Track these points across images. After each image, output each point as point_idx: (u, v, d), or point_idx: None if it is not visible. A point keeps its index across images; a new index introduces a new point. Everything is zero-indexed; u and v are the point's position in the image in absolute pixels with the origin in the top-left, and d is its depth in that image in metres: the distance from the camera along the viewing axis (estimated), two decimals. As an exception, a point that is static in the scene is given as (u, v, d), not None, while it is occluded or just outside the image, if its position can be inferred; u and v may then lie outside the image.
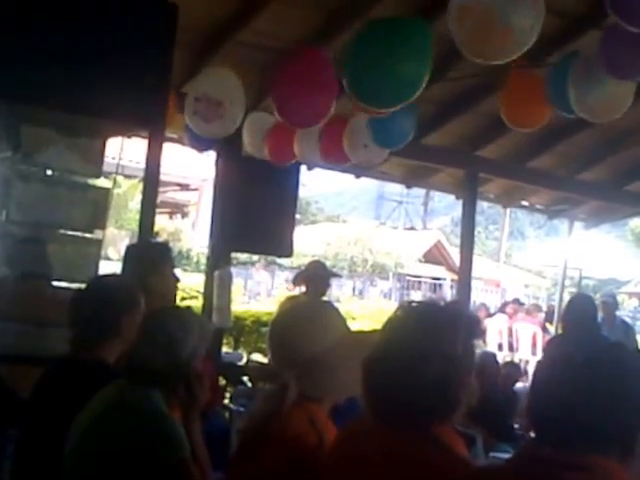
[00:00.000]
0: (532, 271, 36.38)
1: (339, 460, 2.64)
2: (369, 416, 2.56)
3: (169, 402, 3.23)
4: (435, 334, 2.44)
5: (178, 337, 3.26)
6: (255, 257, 29.69)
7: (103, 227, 6.54)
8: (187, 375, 3.30)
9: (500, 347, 16.27)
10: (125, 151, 7.58)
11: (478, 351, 7.83)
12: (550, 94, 5.73)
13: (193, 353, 3.31)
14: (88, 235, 6.37)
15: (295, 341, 2.94)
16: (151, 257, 4.81)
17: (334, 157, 7.23)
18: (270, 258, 28.25)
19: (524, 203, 12.57)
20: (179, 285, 4.87)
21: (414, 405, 2.41)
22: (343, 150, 7.01)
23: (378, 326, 2.74)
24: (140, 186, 6.59)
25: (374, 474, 2.46)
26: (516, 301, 18.90)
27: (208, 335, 3.52)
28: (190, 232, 30.14)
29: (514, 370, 9.19)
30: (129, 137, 7.42)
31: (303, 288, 8.59)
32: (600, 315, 11.14)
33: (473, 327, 2.55)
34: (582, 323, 7.60)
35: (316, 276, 8.42)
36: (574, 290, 17.91)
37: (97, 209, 6.31)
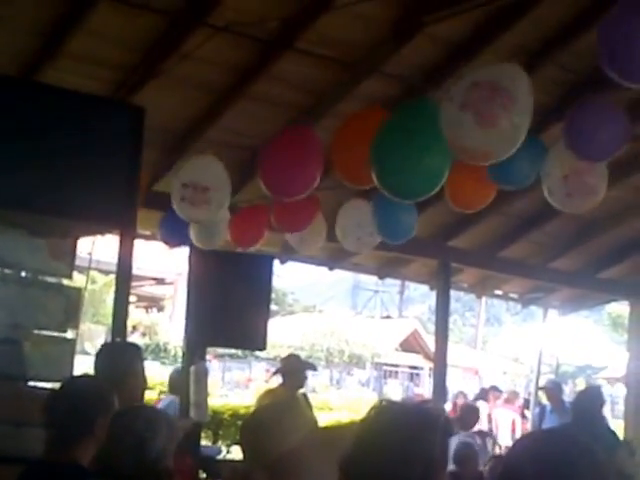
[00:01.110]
0: (509, 357, 36.35)
1: None
2: None
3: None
4: (415, 436, 2.43)
5: (146, 437, 3.24)
6: (232, 349, 29.57)
7: (76, 326, 6.56)
8: (159, 474, 3.27)
9: (481, 434, 16.17)
10: (99, 247, 7.61)
11: (457, 440, 7.81)
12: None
13: (162, 452, 3.29)
14: (62, 334, 6.36)
15: (262, 442, 2.92)
16: (126, 358, 4.85)
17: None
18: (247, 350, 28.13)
19: (498, 292, 12.63)
20: (157, 379, 4.89)
21: None
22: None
23: (356, 416, 2.73)
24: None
25: None
26: (494, 388, 18.82)
27: (177, 433, 3.49)
28: (167, 325, 30.01)
29: (500, 462, 9.14)
30: (102, 234, 7.45)
31: (280, 380, 8.72)
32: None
33: (449, 427, 2.55)
34: (588, 415, 7.84)
35: (292, 369, 8.63)
36: (552, 376, 17.86)
37: (70, 308, 6.30)
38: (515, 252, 10.34)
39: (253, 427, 3.03)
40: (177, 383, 9.98)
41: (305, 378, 8.76)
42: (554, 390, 11.51)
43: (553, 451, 2.10)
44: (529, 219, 9.54)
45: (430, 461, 2.42)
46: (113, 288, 6.84)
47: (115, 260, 6.38)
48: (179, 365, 11.75)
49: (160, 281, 30.79)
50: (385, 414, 2.59)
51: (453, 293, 10.70)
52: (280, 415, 3.04)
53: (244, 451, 3.07)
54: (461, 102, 4.34)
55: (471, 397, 18.31)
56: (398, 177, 4.88)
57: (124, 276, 6.44)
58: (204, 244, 7.49)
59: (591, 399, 8.29)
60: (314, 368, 9.46)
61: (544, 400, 12.56)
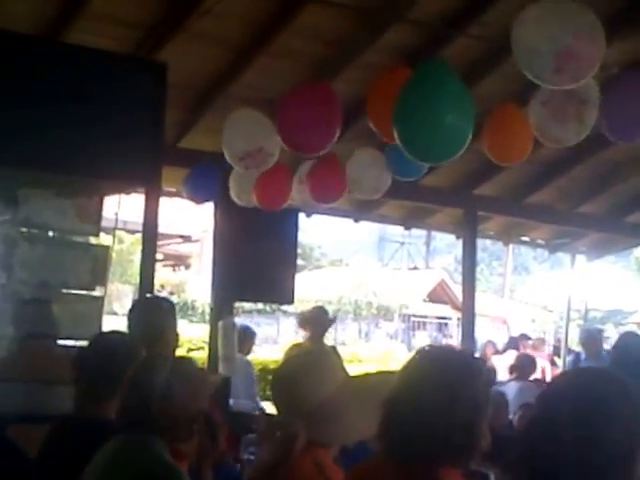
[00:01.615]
0: (538, 305, 36.25)
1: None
2: (380, 457, 2.56)
3: (175, 453, 3.20)
4: (461, 380, 2.46)
5: (172, 385, 3.23)
6: (260, 305, 29.65)
7: (104, 284, 6.60)
8: (209, 424, 3.26)
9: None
10: (125, 207, 7.62)
11: (516, 388, 7.79)
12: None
13: (192, 401, 3.27)
14: (90, 293, 6.41)
15: (299, 391, 2.95)
16: (160, 314, 4.89)
17: (325, 196, 7.21)
18: (274, 305, 28.20)
19: (524, 239, 12.58)
20: (185, 337, 4.91)
21: (437, 445, 2.42)
22: (334, 188, 6.99)
23: (385, 368, 2.75)
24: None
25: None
26: (524, 336, 18.79)
27: (207, 384, 3.50)
28: (194, 283, 30.11)
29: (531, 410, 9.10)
30: (127, 194, 7.46)
31: (306, 332, 8.89)
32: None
33: (492, 376, 2.57)
34: (629, 357, 7.75)
35: (315, 321, 8.75)
36: (581, 323, 17.84)
37: (97, 267, 6.35)
38: (541, 198, 10.29)
39: (288, 379, 3.05)
40: (240, 341, 10.08)
41: (328, 330, 8.87)
42: (591, 337, 11.46)
43: (588, 388, 2.10)
44: (554, 165, 9.47)
45: (475, 406, 2.44)
46: (140, 247, 6.86)
47: (141, 219, 6.40)
48: (243, 323, 11.91)
49: (186, 239, 30.80)
50: (431, 358, 2.61)
51: (479, 242, 10.68)
52: (314, 365, 3.06)
53: (278, 403, 3.09)
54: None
55: (500, 346, 18.30)
56: (419, 140, 4.85)
57: (150, 234, 6.46)
58: (247, 202, 7.45)
59: (631, 343, 8.21)
60: (333, 321, 9.51)
61: (575, 347, 12.54)
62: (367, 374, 3.53)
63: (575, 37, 4.22)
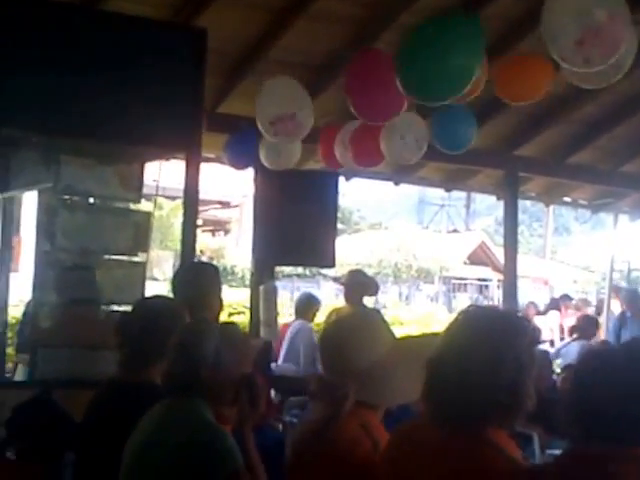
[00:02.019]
0: (579, 266, 36.09)
1: (393, 462, 2.65)
2: (425, 417, 2.57)
3: (219, 416, 3.22)
4: (506, 340, 2.45)
5: (221, 351, 3.24)
6: (300, 269, 29.72)
7: (146, 250, 6.64)
8: (251, 387, 3.27)
9: (552, 344, 16.15)
10: (165, 173, 7.65)
11: (578, 348, 7.78)
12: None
13: (238, 366, 3.29)
14: (132, 258, 6.45)
15: (349, 352, 2.96)
16: (205, 278, 4.91)
17: (367, 159, 7.18)
18: (314, 270, 28.25)
19: (566, 199, 12.48)
20: (226, 301, 4.92)
21: (481, 406, 2.42)
22: (377, 153, 6.95)
23: (427, 330, 2.75)
24: (182, 207, 6.64)
25: (427, 474, 2.46)
26: (565, 297, 18.71)
27: (252, 348, 3.51)
28: (233, 248, 30.22)
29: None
30: (167, 160, 7.48)
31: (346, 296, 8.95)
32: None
33: (536, 335, 2.56)
34: None
35: (355, 283, 8.81)
36: (623, 283, 17.75)
37: (139, 232, 6.39)
38: (583, 158, 10.19)
39: (338, 340, 3.06)
40: (304, 308, 10.15)
41: (367, 293, 8.88)
42: (635, 296, 11.39)
43: (622, 362, 2.11)
44: (596, 124, 9.38)
45: (519, 366, 2.43)
46: (180, 213, 6.89)
47: (181, 186, 6.42)
48: (306, 291, 11.99)
49: (225, 204, 30.89)
50: (475, 318, 2.60)
51: (519, 204, 10.61)
52: (364, 327, 3.08)
53: (327, 364, 3.11)
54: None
55: (542, 307, 18.24)
56: (419, 78, 4.84)
57: (191, 200, 6.47)
58: (277, 165, 7.45)
59: None
60: (377, 287, 9.46)
61: (617, 306, 12.47)
62: (413, 336, 3.53)
63: (605, 15, 4.17)
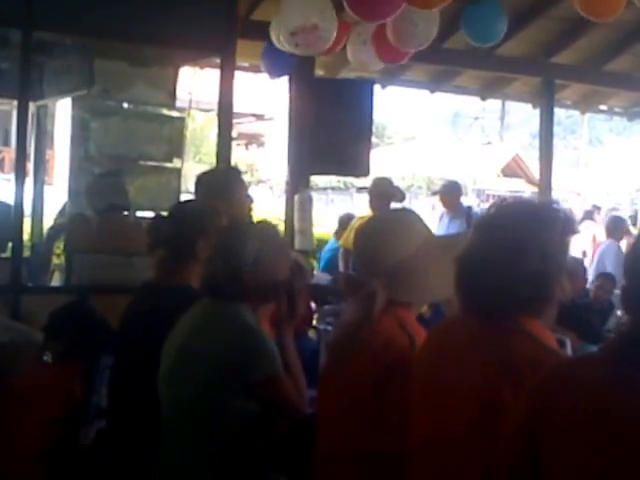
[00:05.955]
0: (612, 177, 35.77)
1: (429, 354, 2.68)
2: (461, 313, 2.60)
3: (258, 317, 3.25)
4: (532, 229, 2.45)
5: (261, 252, 3.24)
6: (334, 182, 29.68)
7: (181, 156, 6.61)
8: (290, 290, 3.29)
9: (584, 254, 16.12)
10: (199, 85, 7.63)
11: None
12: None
13: (277, 267, 3.30)
14: (167, 164, 6.44)
15: (381, 249, 2.96)
16: (219, 183, 4.70)
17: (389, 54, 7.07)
18: (348, 182, 28.18)
19: (602, 107, 12.37)
20: (260, 214, 4.79)
21: (507, 296, 2.43)
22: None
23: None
24: (216, 119, 6.60)
25: (463, 363, 2.49)
26: (595, 207, 18.62)
27: (289, 249, 3.50)
28: (267, 161, 30.16)
29: (609, 280, 9.01)
30: (201, 67, 7.46)
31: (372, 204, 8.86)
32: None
33: (569, 224, 2.55)
34: None
35: (382, 192, 8.70)
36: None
37: (174, 138, 6.37)
38: (620, 65, 10.05)
39: (372, 236, 3.05)
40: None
41: (393, 200, 8.80)
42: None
43: None
44: (633, 30, 9.23)
45: (545, 256, 2.43)
46: (214, 126, 6.86)
47: (213, 98, 6.37)
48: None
49: (259, 117, 30.71)
50: (502, 211, 2.61)
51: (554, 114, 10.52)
52: (399, 222, 3.08)
53: (360, 261, 3.12)
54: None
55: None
56: None
57: (226, 109, 6.42)
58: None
59: None
60: (403, 194, 9.39)
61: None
62: (448, 234, 3.54)
63: None
